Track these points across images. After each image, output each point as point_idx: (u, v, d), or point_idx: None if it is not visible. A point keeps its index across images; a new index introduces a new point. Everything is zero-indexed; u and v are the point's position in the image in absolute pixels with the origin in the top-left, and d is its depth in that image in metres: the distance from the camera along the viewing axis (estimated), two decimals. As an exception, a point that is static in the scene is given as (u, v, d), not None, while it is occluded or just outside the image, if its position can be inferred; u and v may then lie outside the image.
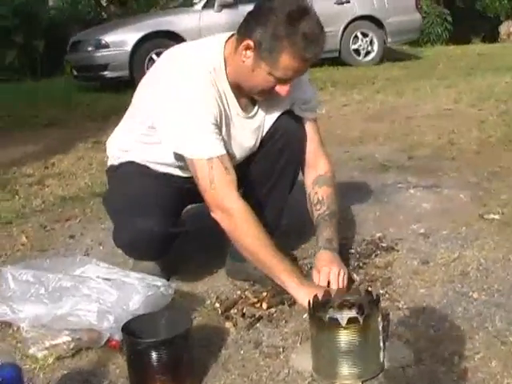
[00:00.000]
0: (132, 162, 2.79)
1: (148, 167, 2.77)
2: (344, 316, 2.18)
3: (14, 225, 3.97)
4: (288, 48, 2.36)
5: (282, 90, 2.49)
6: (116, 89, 9.15)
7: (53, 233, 3.80)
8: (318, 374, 2.15)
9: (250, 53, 2.43)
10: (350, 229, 3.43)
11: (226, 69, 2.56)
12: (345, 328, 2.04)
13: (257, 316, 2.62)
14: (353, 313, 2.22)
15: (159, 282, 2.60)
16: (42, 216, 4.11)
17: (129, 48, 9.94)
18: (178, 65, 2.57)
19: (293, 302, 2.66)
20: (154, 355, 2.12)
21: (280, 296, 2.69)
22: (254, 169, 2.81)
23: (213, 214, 2.55)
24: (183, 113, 2.49)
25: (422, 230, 3.33)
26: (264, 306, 2.67)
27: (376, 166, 4.57)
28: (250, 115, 2.68)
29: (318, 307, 2.21)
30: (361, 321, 2.05)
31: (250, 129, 2.71)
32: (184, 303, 2.76)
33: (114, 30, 10.55)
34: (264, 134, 2.75)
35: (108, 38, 10.17)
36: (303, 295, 2.45)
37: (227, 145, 2.61)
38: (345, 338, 2.04)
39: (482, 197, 3.72)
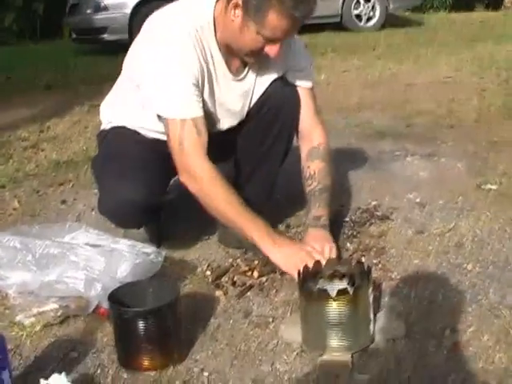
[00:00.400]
0: (122, 127, 2.74)
1: (138, 133, 2.71)
2: (334, 287, 2.14)
3: (6, 189, 3.94)
4: (276, 6, 2.28)
5: (271, 50, 2.41)
6: (115, 52, 9.01)
7: (45, 197, 3.76)
8: (307, 346, 2.11)
9: (238, 11, 2.36)
10: (345, 197, 3.39)
11: (214, 28, 2.49)
12: (334, 299, 2.00)
13: (247, 285, 2.59)
14: (343, 283, 2.19)
15: (149, 249, 2.57)
16: (35, 180, 4.07)
17: (128, 10, 9.82)
18: (161, 25, 2.52)
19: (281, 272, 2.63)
20: (140, 325, 2.08)
21: (272, 264, 2.65)
22: (245, 136, 2.76)
23: (180, 177, 2.49)
24: (161, 73, 2.44)
25: (417, 200, 3.29)
26: (255, 274, 2.64)
27: (373, 134, 4.52)
28: (239, 78, 2.61)
29: (308, 277, 2.17)
30: (351, 292, 2.01)
31: (238, 91, 2.64)
32: (174, 271, 2.72)
33: (113, -8, 10.41)
34: (254, 99, 2.69)
35: (107, 1, 10.05)
36: (276, 255, 2.44)
37: (210, 105, 2.57)
38: (334, 309, 2.01)
39: (480, 167, 3.67)
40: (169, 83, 2.43)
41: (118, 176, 2.58)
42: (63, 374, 1.97)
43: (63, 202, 3.65)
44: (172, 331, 2.13)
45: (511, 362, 1.98)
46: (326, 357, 2.04)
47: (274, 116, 2.67)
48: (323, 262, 2.29)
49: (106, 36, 9.98)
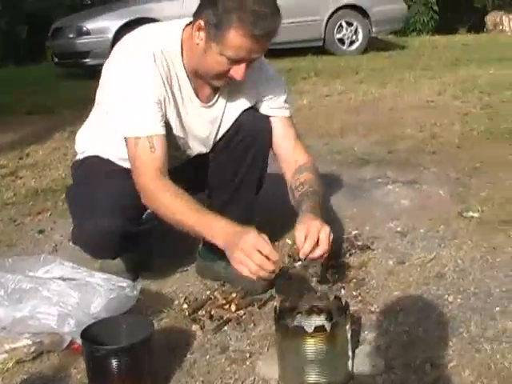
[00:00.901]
0: (95, 157, 2.69)
1: (111, 162, 2.67)
2: (311, 323, 2.10)
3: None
4: (235, 24, 2.23)
5: (236, 73, 2.35)
6: (98, 76, 8.98)
7: (22, 227, 3.71)
8: (284, 383, 2.06)
9: (201, 34, 2.32)
10: (326, 226, 3.33)
11: (182, 53, 2.45)
12: (311, 336, 1.95)
13: (225, 318, 2.55)
14: (321, 319, 2.14)
15: (124, 282, 2.51)
16: (13, 209, 4.02)
17: (110, 35, 9.78)
18: (127, 46, 2.48)
19: (263, 304, 2.59)
20: (113, 362, 2.03)
21: (250, 297, 2.62)
22: (219, 166, 2.71)
23: (140, 195, 2.40)
24: (121, 92, 2.40)
25: (398, 228, 3.25)
26: (233, 307, 2.60)
27: (355, 160, 4.48)
28: (208, 104, 2.57)
29: (285, 313, 2.12)
30: (328, 329, 1.96)
31: (206, 118, 2.59)
32: (151, 304, 2.67)
33: (95, 16, 10.40)
34: (223, 127, 2.64)
35: (89, 25, 10.03)
36: (231, 250, 2.18)
37: (176, 129, 2.52)
38: (311, 346, 1.96)
39: (462, 193, 3.64)
40: (128, 102, 2.38)
41: (91, 206, 2.54)
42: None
43: (40, 231, 3.59)
44: (146, 369, 2.09)
45: (493, 399, 1.93)
46: (302, 395, 1.99)
47: (246, 145, 2.63)
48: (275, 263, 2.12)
49: (88, 60, 9.94)
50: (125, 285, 2.49)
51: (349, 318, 2.05)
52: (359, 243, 3.12)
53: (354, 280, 2.75)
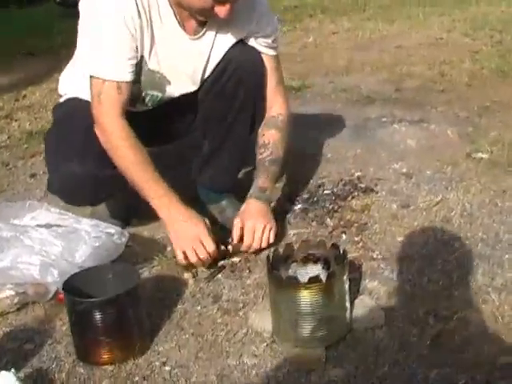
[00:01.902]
0: (75, 98, 2.54)
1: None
2: (308, 272, 1.97)
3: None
4: None
5: (220, 11, 2.20)
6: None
7: (14, 171, 3.59)
8: (278, 337, 1.94)
9: None
10: (328, 167, 3.20)
11: None
12: (305, 287, 1.81)
13: (219, 266, 2.41)
14: (318, 268, 2.01)
15: (112, 229, 2.39)
16: (6, 152, 3.90)
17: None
18: None
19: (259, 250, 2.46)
20: (96, 316, 1.91)
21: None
22: (209, 108, 2.55)
23: (95, 130, 2.32)
24: (93, 29, 2.29)
25: (404, 170, 3.10)
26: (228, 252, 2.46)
27: (360, 99, 4.31)
28: (194, 37, 2.39)
29: (278, 262, 1.98)
30: (324, 279, 1.82)
31: (192, 52, 2.42)
32: (142, 251, 2.55)
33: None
34: (212, 63, 2.47)
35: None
36: (170, 228, 2.35)
37: (156, 65, 2.38)
38: (306, 298, 1.83)
39: (471, 133, 3.47)
40: (99, 41, 2.26)
41: (64, 150, 2.41)
42: (12, 370, 1.81)
43: (32, 175, 3.47)
44: (132, 321, 1.97)
45: (501, 353, 1.80)
46: (297, 350, 1.86)
47: (237, 80, 2.46)
48: (210, 254, 2.31)
49: None
50: (113, 231, 2.38)
51: (347, 267, 1.92)
52: (362, 185, 2.97)
53: (356, 224, 2.62)
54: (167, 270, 2.43)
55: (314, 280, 1.82)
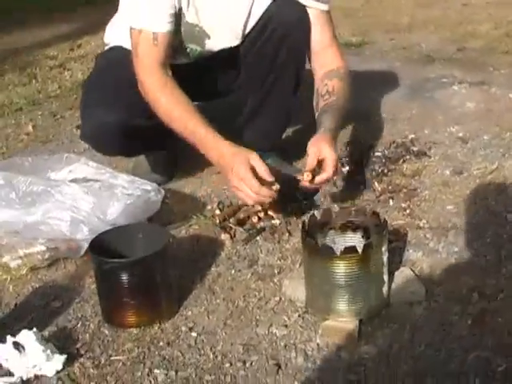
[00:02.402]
0: (119, 47, 2.48)
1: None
2: (343, 241, 1.86)
3: (24, 112, 3.75)
4: None
5: None
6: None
7: (61, 122, 3.56)
8: (310, 307, 1.84)
9: None
10: (380, 128, 3.06)
11: None
12: (340, 258, 1.70)
13: (258, 227, 2.32)
14: (357, 236, 1.89)
15: (149, 185, 2.32)
16: (56, 102, 3.88)
17: None
18: None
19: (302, 212, 2.34)
20: (122, 277, 1.84)
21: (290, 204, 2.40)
22: (251, 65, 2.44)
23: (139, 88, 2.25)
24: None
25: (460, 134, 2.95)
26: (269, 214, 2.36)
27: (421, 57, 4.13)
28: None
29: (315, 229, 1.87)
30: (360, 250, 1.70)
31: (231, 5, 2.33)
32: (181, 209, 2.48)
33: None
34: (256, 17, 2.36)
35: None
36: (223, 166, 2.10)
37: (190, 17, 2.29)
38: (340, 269, 1.71)
39: (534, 98, 3.28)
40: None
41: (97, 98, 2.36)
42: (34, 329, 1.75)
43: (78, 127, 3.36)
44: (159, 284, 1.89)
45: (546, 338, 1.67)
46: (329, 322, 1.76)
47: (280, 36, 2.34)
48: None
49: None
50: (149, 188, 2.31)
51: (386, 237, 1.79)
52: (415, 149, 2.83)
53: (405, 190, 2.49)
54: (205, 230, 2.36)
55: (350, 250, 1.70)
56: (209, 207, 2.51)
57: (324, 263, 1.72)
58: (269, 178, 2.01)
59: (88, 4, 6.89)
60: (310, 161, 2.10)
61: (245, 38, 2.39)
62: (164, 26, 2.21)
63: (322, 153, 2.09)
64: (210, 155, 2.13)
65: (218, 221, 2.37)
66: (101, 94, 2.35)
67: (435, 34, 4.72)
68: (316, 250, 1.74)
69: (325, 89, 2.33)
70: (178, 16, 2.24)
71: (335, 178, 2.23)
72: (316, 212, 1.97)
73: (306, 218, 2.01)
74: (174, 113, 2.17)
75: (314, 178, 2.08)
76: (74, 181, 2.36)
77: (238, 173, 2.00)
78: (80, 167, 2.43)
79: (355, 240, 1.87)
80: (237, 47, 2.41)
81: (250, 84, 2.47)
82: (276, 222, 2.35)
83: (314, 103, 2.36)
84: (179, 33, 2.31)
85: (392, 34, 4.77)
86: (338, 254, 1.70)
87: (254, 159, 2.02)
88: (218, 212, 2.44)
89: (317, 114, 2.31)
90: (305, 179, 2.08)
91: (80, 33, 5.53)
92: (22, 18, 6.10)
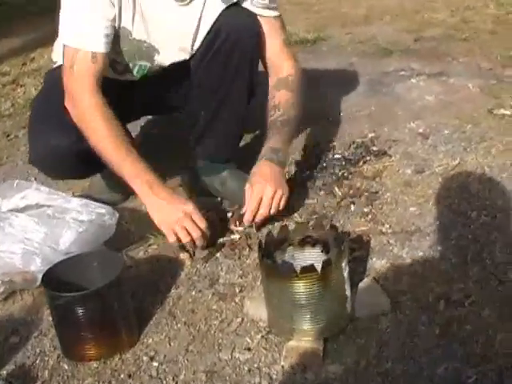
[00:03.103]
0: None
1: None
2: (303, 257, 1.81)
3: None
4: None
5: None
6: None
7: (15, 142, 3.45)
8: (273, 328, 1.78)
9: None
10: (339, 128, 3.00)
11: None
12: (299, 278, 1.64)
13: (217, 244, 2.25)
14: (317, 251, 1.83)
15: (103, 208, 2.23)
16: (9, 121, 3.75)
17: None
18: None
19: (262, 224, 2.28)
20: (77, 310, 1.76)
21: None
22: (203, 76, 2.37)
23: (66, 102, 2.19)
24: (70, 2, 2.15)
25: (420, 130, 2.90)
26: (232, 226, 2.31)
27: (378, 51, 4.07)
28: (182, 3, 2.23)
29: (273, 246, 1.81)
30: (319, 269, 1.65)
31: (180, 19, 2.25)
32: (139, 229, 2.40)
33: None
34: (204, 29, 2.29)
35: None
36: (152, 208, 2.14)
37: (142, 33, 2.24)
38: (299, 289, 1.66)
39: (494, 87, 3.24)
40: (74, 7, 2.14)
41: (45, 120, 2.29)
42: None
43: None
44: (117, 314, 1.83)
45: (516, 346, 1.62)
46: (293, 343, 1.70)
47: (230, 47, 2.27)
48: (203, 229, 2.12)
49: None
50: (103, 211, 2.23)
51: (346, 252, 1.74)
52: (375, 148, 2.78)
53: (366, 193, 2.44)
54: (163, 249, 2.28)
55: (309, 269, 1.64)
56: (167, 225, 2.43)
57: (283, 284, 1.67)
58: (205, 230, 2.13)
59: (38, 16, 6.76)
60: (246, 199, 2.19)
61: (196, 50, 2.32)
62: (103, 46, 2.15)
63: (256, 192, 2.15)
64: (142, 194, 2.16)
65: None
66: (49, 116, 2.28)
67: (392, 24, 4.67)
68: (274, 270, 1.68)
69: (272, 102, 2.32)
70: (117, 34, 2.17)
71: (272, 211, 2.19)
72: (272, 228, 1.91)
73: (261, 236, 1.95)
74: (107, 141, 2.13)
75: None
76: (26, 208, 2.27)
77: (175, 216, 2.11)
78: (32, 193, 2.34)
79: (315, 255, 1.82)
80: (188, 61, 2.35)
81: (203, 95, 2.40)
82: (236, 236, 2.28)
83: (266, 111, 2.34)
84: (128, 51, 2.23)
85: (348, 28, 4.72)
86: (298, 271, 1.63)
87: (192, 209, 2.12)
88: (177, 229, 2.36)
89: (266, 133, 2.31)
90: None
91: (33, 46, 5.40)
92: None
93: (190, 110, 2.52)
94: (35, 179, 2.83)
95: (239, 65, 2.29)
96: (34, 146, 2.33)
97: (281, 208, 2.17)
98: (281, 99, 2.32)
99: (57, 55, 2.51)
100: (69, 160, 2.25)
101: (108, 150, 2.12)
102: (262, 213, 2.16)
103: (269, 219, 2.22)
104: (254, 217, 2.17)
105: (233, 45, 2.26)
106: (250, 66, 2.32)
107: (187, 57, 2.34)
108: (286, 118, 2.30)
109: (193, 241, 2.12)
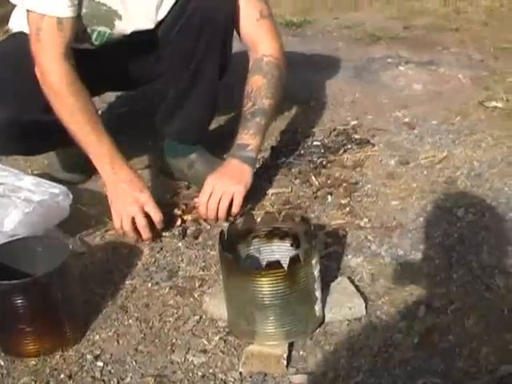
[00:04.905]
0: (20, 33, 2.19)
1: None
2: (270, 251, 1.62)
3: None
4: None
5: None
6: None
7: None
8: (233, 330, 1.59)
9: None
10: (320, 114, 2.81)
11: None
12: (262, 275, 1.45)
13: (180, 232, 2.05)
14: (286, 244, 1.64)
15: (57, 188, 2.03)
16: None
17: None
18: None
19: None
20: (15, 300, 1.58)
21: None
22: (171, 49, 2.19)
23: (36, 70, 2.03)
24: None
25: (406, 119, 2.71)
26: (190, 217, 2.11)
27: (365, 37, 3.86)
28: None
29: (237, 238, 1.62)
30: (285, 265, 1.46)
31: None
32: (99, 212, 2.19)
33: None
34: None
35: None
36: (110, 187, 2.05)
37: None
38: (263, 288, 1.47)
39: (485, 78, 3.05)
40: None
41: None
42: None
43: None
44: (60, 306, 1.64)
45: (502, 360, 1.44)
46: (253, 347, 1.51)
47: (201, 16, 2.08)
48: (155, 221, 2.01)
49: None
50: (57, 191, 2.02)
51: (316, 248, 1.55)
52: (357, 136, 2.60)
53: (345, 184, 2.26)
54: (121, 236, 2.08)
55: (274, 265, 1.45)
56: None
57: (244, 281, 1.48)
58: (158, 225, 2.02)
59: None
60: (203, 196, 2.07)
61: (163, 19, 2.13)
62: (69, 11, 1.98)
63: (206, 186, 2.06)
64: (103, 172, 2.05)
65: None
66: None
67: (381, 12, 4.46)
68: (234, 265, 1.49)
69: (245, 90, 2.17)
70: None
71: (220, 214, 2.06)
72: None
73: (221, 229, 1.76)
74: (75, 114, 2.00)
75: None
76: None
77: (127, 202, 2.00)
78: (-19, 169, 2.14)
79: (283, 250, 1.63)
80: (154, 31, 2.15)
81: (172, 70, 2.21)
82: (203, 223, 2.10)
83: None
84: (86, 14, 2.04)
85: (336, 13, 4.50)
86: (260, 269, 1.44)
87: (148, 199, 2.01)
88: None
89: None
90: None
91: None
92: None
93: (157, 87, 2.33)
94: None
95: (211, 37, 2.10)
96: None
97: (234, 210, 2.04)
98: (253, 86, 2.15)
99: (12, 22, 2.32)
100: (8, 134, 2.05)
101: (74, 123, 2.01)
102: (211, 211, 2.05)
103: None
104: None
105: (203, 15, 2.06)
106: (220, 43, 2.12)
107: (152, 26, 2.14)
108: (256, 108, 2.13)
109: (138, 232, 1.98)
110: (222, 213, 2.02)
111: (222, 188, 2.02)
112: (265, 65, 2.15)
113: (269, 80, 2.14)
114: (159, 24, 2.16)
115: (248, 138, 2.11)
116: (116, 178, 2.00)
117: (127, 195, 1.98)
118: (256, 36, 2.17)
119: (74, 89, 1.99)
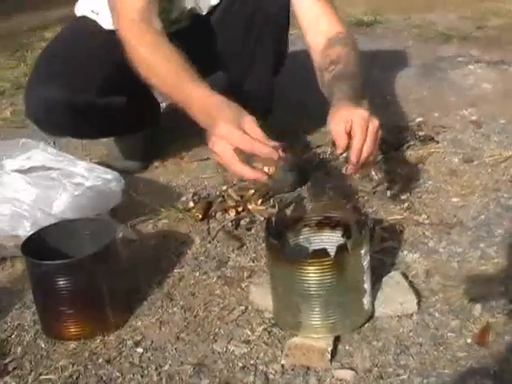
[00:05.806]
0: (83, 18, 2.19)
1: (95, 23, 2.14)
2: (320, 241, 1.56)
3: (5, 95, 3.48)
4: None
5: None
6: None
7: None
8: (278, 321, 1.53)
9: None
10: (385, 110, 2.71)
11: None
12: (308, 264, 1.39)
13: (233, 222, 2.02)
14: (337, 234, 1.58)
15: (110, 174, 2.01)
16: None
17: None
18: None
19: (286, 206, 2.04)
20: (58, 282, 1.55)
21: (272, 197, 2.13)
22: (224, 41, 2.15)
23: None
24: None
25: (474, 117, 2.62)
26: (248, 207, 2.07)
27: (436, 36, 3.78)
28: None
29: (286, 226, 1.56)
30: (332, 254, 1.40)
31: None
32: (153, 200, 2.19)
33: None
34: None
35: None
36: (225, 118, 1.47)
37: None
38: (309, 277, 1.40)
39: (557, 78, 2.93)
40: None
41: (44, 72, 2.08)
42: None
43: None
44: (104, 290, 1.60)
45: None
46: (296, 339, 1.45)
47: (251, 13, 2.01)
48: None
49: None
50: (110, 177, 2.00)
51: (367, 237, 1.48)
52: (422, 133, 2.51)
53: (406, 180, 2.18)
54: (175, 224, 2.05)
55: (320, 253, 1.39)
56: (183, 198, 2.22)
57: (289, 269, 1.41)
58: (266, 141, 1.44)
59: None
60: (336, 132, 1.60)
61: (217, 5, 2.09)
62: None
63: (345, 120, 1.58)
64: (193, 108, 1.59)
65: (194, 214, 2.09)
66: (50, 67, 2.09)
67: (454, 12, 4.35)
68: (279, 253, 1.43)
69: (327, 60, 1.85)
70: None
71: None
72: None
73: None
74: (152, 62, 1.71)
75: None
76: (31, 169, 2.07)
77: (220, 131, 1.45)
78: (37, 153, 2.13)
79: (334, 240, 1.56)
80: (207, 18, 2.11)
81: (225, 61, 2.16)
82: (257, 216, 2.05)
83: (319, 82, 1.91)
84: None
85: (408, 13, 4.42)
86: (306, 258, 1.38)
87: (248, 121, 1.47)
88: (191, 204, 2.15)
89: (325, 93, 1.83)
90: (348, 172, 1.65)
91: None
92: (21, 2, 5.80)
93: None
94: (54, 143, 2.62)
95: (261, 31, 2.02)
96: (28, 98, 2.14)
97: (376, 135, 1.63)
98: (339, 54, 1.86)
99: (77, 8, 2.32)
100: (61, 114, 2.04)
101: (162, 81, 1.72)
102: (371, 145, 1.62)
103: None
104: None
105: (253, 9, 1.99)
106: (275, 29, 2.05)
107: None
108: (350, 69, 1.81)
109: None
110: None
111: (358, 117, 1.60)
112: (345, 38, 1.92)
113: (352, 49, 1.89)
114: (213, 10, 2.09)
115: (351, 91, 1.73)
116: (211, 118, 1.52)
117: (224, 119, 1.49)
118: (323, 20, 1.96)
119: (155, 47, 1.74)
